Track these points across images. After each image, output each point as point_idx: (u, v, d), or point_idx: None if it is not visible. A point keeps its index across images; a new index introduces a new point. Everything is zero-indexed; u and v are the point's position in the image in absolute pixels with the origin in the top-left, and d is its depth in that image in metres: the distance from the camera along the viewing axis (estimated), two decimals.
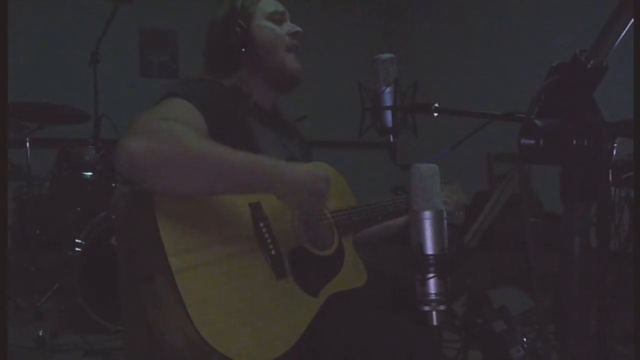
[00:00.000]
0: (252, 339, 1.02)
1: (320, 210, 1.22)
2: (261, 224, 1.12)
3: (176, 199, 1.04)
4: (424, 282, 0.86)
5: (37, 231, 3.16)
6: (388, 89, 1.08)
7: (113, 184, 3.03)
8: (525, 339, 1.61)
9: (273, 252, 1.11)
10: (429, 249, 0.86)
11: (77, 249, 2.73)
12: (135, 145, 1.01)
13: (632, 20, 0.71)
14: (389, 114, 1.08)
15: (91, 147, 3.10)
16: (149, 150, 1.01)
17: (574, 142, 0.75)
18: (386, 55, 1.11)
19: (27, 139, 3.05)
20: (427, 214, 0.87)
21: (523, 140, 0.76)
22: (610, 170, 0.79)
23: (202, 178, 1.04)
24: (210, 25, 1.41)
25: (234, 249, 1.08)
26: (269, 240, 1.12)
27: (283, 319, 1.08)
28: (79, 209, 3.07)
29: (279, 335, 1.06)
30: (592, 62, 0.75)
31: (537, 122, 0.75)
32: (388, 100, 1.08)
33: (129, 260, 1.13)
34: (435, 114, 1.06)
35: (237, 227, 1.10)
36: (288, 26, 1.40)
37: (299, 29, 1.40)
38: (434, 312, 0.86)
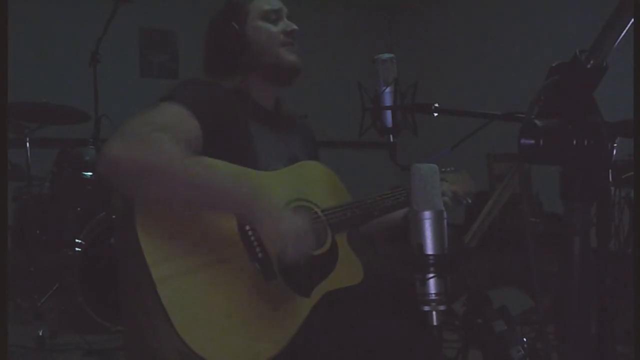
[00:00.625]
0: (240, 344, 1.02)
1: (299, 253, 1.10)
2: (247, 227, 1.11)
3: (157, 207, 1.03)
4: (424, 282, 0.86)
5: (37, 231, 3.16)
6: (388, 89, 1.08)
7: None
8: (525, 339, 1.61)
9: (260, 255, 1.10)
10: (429, 249, 0.86)
11: (77, 249, 2.73)
12: (119, 150, 1.01)
13: (632, 20, 0.71)
14: (389, 114, 1.08)
15: (91, 147, 3.10)
16: (131, 157, 1.01)
17: (574, 142, 0.75)
18: (386, 55, 1.11)
19: (27, 139, 3.04)
20: (427, 214, 0.87)
21: (523, 140, 0.76)
22: (610, 170, 0.79)
23: (179, 193, 1.03)
24: (208, 24, 1.40)
25: (219, 255, 1.07)
26: (255, 243, 1.11)
27: (272, 322, 1.08)
28: (79, 209, 3.07)
29: (268, 338, 1.06)
30: (592, 62, 0.75)
31: (537, 122, 0.75)
32: (388, 100, 1.08)
33: (121, 267, 1.13)
34: (435, 114, 1.06)
35: (222, 233, 1.09)
36: (284, 24, 1.37)
37: (294, 27, 1.37)
38: (434, 312, 0.86)
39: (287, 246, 1.06)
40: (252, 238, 1.11)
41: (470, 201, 1.59)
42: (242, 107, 1.32)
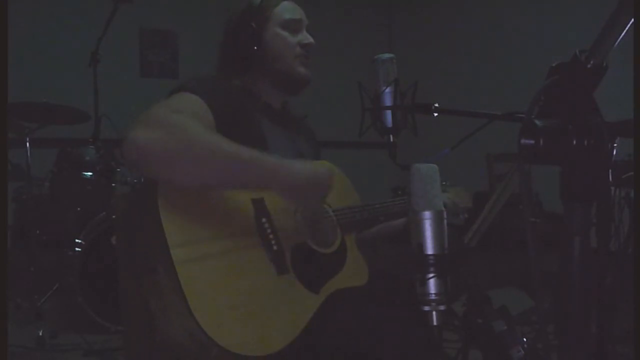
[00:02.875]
0: (251, 333, 1.03)
1: (323, 205, 1.22)
2: (263, 220, 1.13)
3: (179, 192, 1.04)
4: (424, 282, 0.86)
5: (37, 231, 3.16)
6: (388, 89, 1.08)
7: (113, 184, 3.03)
8: (525, 339, 1.61)
9: (275, 247, 1.12)
10: (429, 249, 0.86)
11: (77, 249, 2.73)
12: (147, 135, 1.02)
13: (632, 20, 0.71)
14: (389, 114, 1.08)
15: (91, 147, 3.10)
16: (160, 141, 1.01)
17: (574, 142, 0.75)
18: (386, 55, 1.11)
19: (27, 139, 3.04)
20: (427, 214, 0.87)
21: (523, 140, 0.76)
22: (610, 170, 0.79)
23: (209, 171, 1.04)
24: (227, 20, 1.40)
25: (236, 244, 1.08)
26: (271, 236, 1.13)
27: (283, 314, 1.09)
28: (79, 209, 3.06)
29: (279, 330, 1.07)
30: (592, 62, 0.75)
31: (537, 122, 0.75)
32: (388, 100, 1.08)
33: (131, 254, 1.13)
34: (435, 114, 1.06)
35: (240, 222, 1.11)
36: (302, 36, 1.38)
37: (311, 40, 1.38)
38: (434, 312, 0.86)
39: (308, 198, 1.13)
40: (268, 230, 1.13)
41: (467, 216, 1.60)
42: (253, 104, 1.34)
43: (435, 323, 0.86)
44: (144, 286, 1.03)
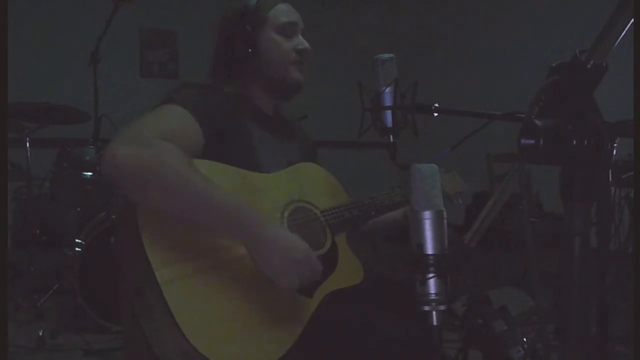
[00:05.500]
0: (246, 346, 1.02)
1: (295, 282, 1.08)
2: None
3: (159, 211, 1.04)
4: (424, 282, 0.86)
5: (37, 231, 3.16)
6: (388, 89, 1.08)
7: None
8: (525, 339, 1.61)
9: None
10: (429, 249, 0.86)
11: (77, 249, 2.73)
12: (124, 153, 1.02)
13: (632, 20, 0.71)
14: (389, 114, 1.08)
15: (91, 147, 3.10)
16: (136, 162, 1.02)
17: (574, 142, 0.75)
18: (386, 56, 1.11)
19: (27, 139, 3.04)
20: (427, 214, 0.87)
21: (523, 140, 0.76)
22: (610, 170, 0.79)
23: (179, 205, 1.04)
24: (221, 22, 1.38)
25: (222, 257, 1.07)
26: None
27: (278, 323, 1.08)
28: (79, 209, 3.06)
29: (274, 340, 1.06)
30: (592, 62, 0.75)
31: (537, 122, 0.76)
32: (388, 100, 1.08)
33: (121, 272, 1.13)
34: (435, 114, 1.06)
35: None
36: (297, 41, 1.36)
37: (307, 46, 1.36)
38: (434, 312, 0.86)
39: (282, 276, 1.06)
40: None
41: (461, 201, 1.60)
42: (243, 111, 1.33)
43: (435, 323, 0.86)
44: (134, 307, 1.03)
